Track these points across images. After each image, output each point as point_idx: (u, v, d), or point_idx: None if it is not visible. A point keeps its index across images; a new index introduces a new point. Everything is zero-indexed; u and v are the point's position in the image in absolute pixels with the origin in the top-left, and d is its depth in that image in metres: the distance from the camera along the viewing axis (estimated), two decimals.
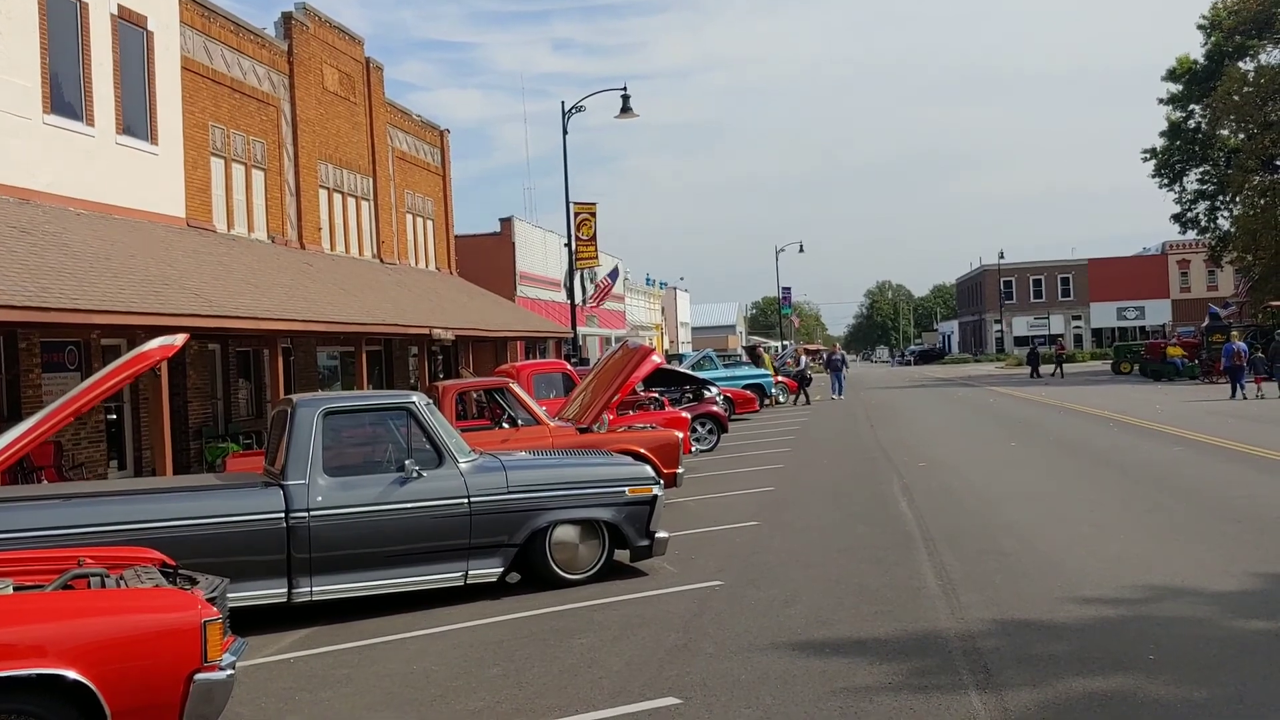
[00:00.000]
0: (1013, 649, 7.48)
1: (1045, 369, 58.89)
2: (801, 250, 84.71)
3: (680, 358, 44.00)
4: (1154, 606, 8.48)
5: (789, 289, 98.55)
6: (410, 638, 8.95)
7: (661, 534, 10.92)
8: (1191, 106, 63.42)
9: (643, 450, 14.45)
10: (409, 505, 9.89)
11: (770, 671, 7.33)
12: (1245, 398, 31.79)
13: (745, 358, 44.85)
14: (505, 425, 16.09)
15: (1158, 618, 8.13)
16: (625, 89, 33.78)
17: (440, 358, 34.17)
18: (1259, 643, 7.44)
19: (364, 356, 25.00)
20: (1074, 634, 7.79)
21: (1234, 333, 38.46)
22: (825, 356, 56.26)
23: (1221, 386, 35.23)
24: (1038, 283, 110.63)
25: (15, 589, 6.21)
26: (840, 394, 44.05)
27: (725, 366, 40.40)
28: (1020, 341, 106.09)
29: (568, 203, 36.01)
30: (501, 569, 10.28)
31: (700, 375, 30.24)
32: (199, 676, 5.66)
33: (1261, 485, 14.61)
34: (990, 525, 12.55)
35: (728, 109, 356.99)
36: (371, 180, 32.54)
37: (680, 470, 15.29)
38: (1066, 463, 18.59)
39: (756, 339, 76.62)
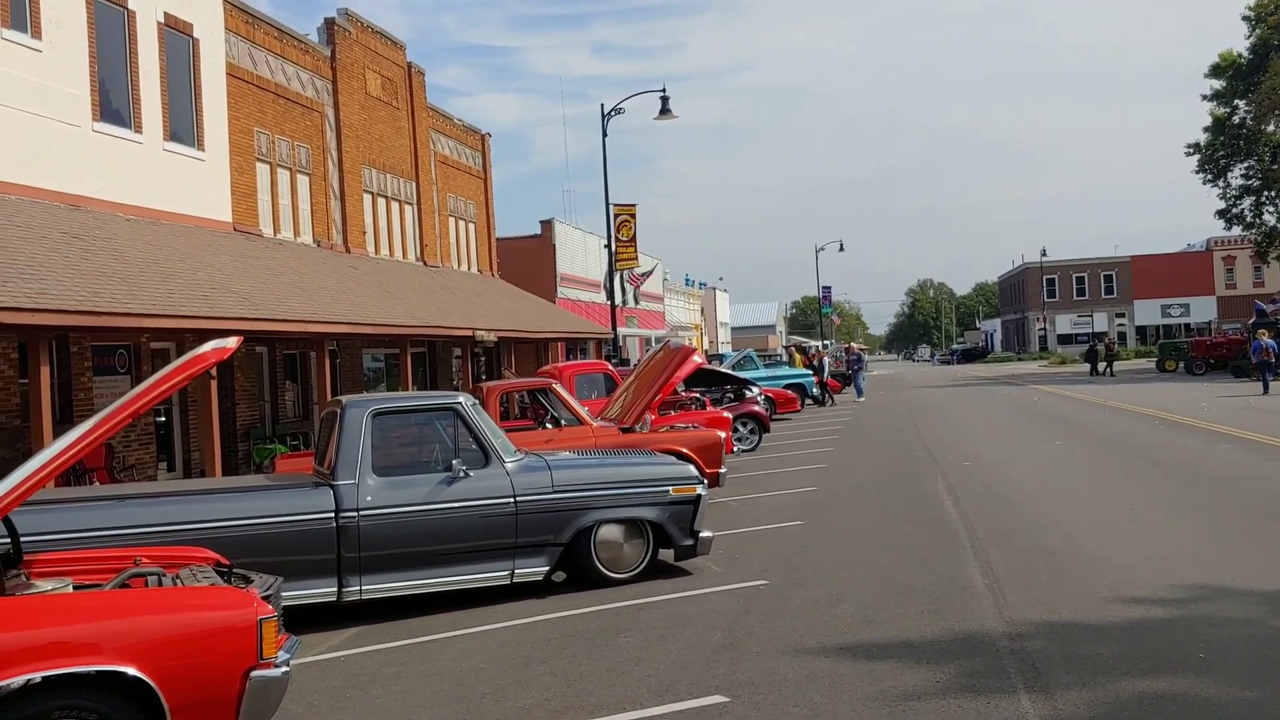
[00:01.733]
0: (1061, 649, 7.47)
1: (1102, 366, 57.32)
2: (842, 249, 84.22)
3: (721, 358, 43.92)
4: (1203, 606, 8.43)
5: (829, 288, 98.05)
6: (458, 636, 9.04)
7: (706, 533, 10.97)
8: (1236, 102, 62.71)
9: (685, 450, 14.48)
10: (456, 505, 9.98)
11: (818, 671, 7.35)
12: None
13: (785, 357, 44.77)
14: (548, 425, 16.18)
15: (1207, 617, 8.08)
16: (664, 90, 33.81)
17: (483, 359, 34.35)
18: None
19: (408, 358, 25.20)
20: (1122, 634, 7.76)
21: (1261, 330, 38.91)
22: (843, 356, 54.86)
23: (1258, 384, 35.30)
24: (1080, 280, 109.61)
25: (75, 588, 6.33)
26: (860, 396, 43.74)
27: (766, 366, 40.38)
28: (1065, 340, 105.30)
29: (607, 204, 36.06)
30: (547, 568, 10.36)
31: (741, 375, 30.23)
32: (255, 673, 5.75)
33: None
34: (1036, 524, 12.50)
35: (766, 108, 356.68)
36: (414, 184, 32.76)
37: (723, 470, 15.31)
38: (1112, 461, 18.46)
39: (797, 339, 76.47)
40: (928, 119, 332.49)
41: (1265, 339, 36.04)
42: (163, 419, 20.19)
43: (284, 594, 7.16)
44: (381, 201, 30.65)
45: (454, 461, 10.10)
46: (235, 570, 6.95)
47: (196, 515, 9.23)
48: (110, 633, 5.59)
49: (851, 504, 15.16)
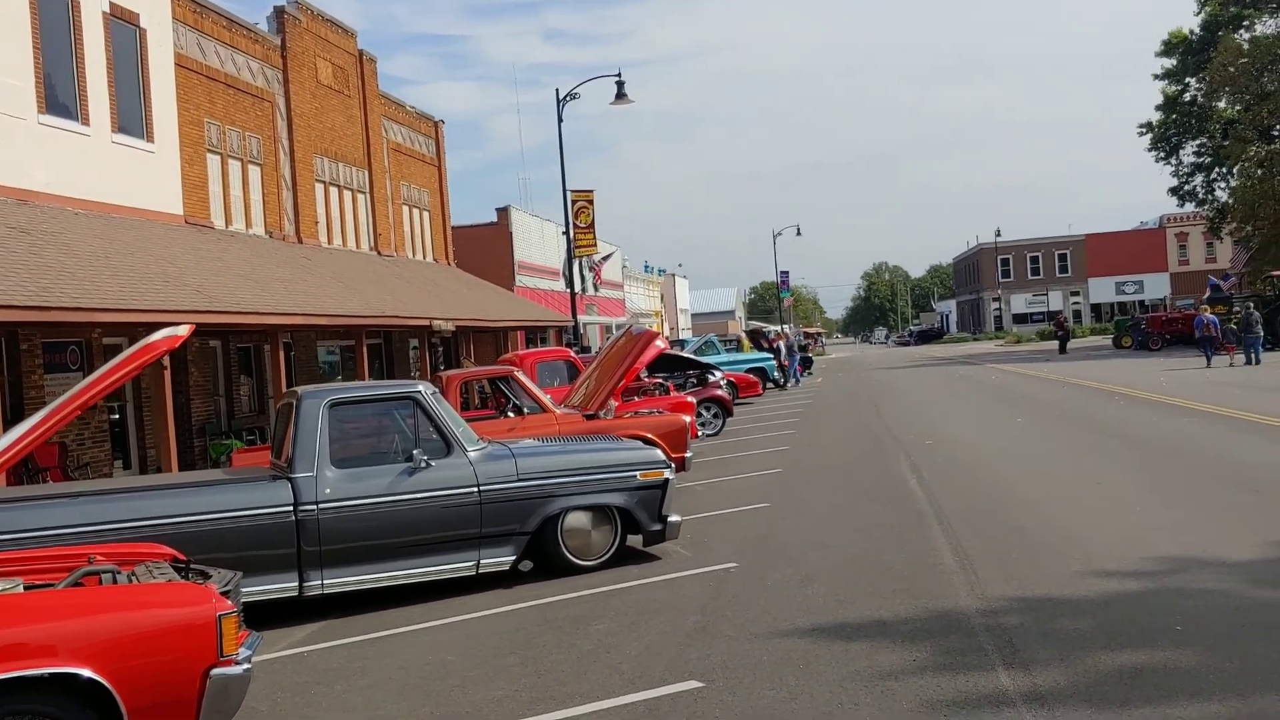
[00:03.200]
0: (1037, 625, 7.39)
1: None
2: (799, 234, 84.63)
3: (682, 343, 43.81)
4: (1176, 578, 8.38)
5: (787, 273, 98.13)
6: (424, 629, 8.86)
7: (674, 518, 10.83)
8: (1187, 80, 63.23)
9: (650, 435, 14.33)
10: (418, 495, 9.79)
11: (792, 653, 7.23)
12: (1232, 364, 34.12)
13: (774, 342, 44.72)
14: (511, 414, 15.99)
15: (1182, 589, 8.03)
16: (620, 75, 33.61)
17: (440, 349, 34.04)
18: None
19: (364, 350, 24.91)
20: (1098, 608, 7.69)
21: (1203, 306, 41.55)
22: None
23: (1219, 356, 36.42)
24: (1035, 260, 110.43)
25: (25, 588, 6.11)
26: (788, 382, 42.67)
27: (726, 351, 40.31)
28: (1020, 319, 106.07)
29: (564, 190, 35.80)
30: (514, 557, 10.19)
31: (704, 360, 30.12)
32: (215, 672, 5.56)
33: (1275, 454, 14.52)
34: (1003, 500, 12.46)
35: (722, 94, 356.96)
36: (367, 173, 32.38)
37: (689, 454, 15.19)
38: (1075, 437, 18.49)
39: (757, 324, 76.48)
40: (882, 103, 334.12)
41: (1207, 314, 38.17)
42: (117, 416, 19.83)
43: (244, 590, 6.96)
44: (334, 191, 30.26)
45: (415, 451, 9.91)
46: (193, 566, 6.74)
47: (152, 511, 8.99)
48: (63, 633, 5.38)
49: (817, 485, 15.08)
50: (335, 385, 12.50)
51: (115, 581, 6.13)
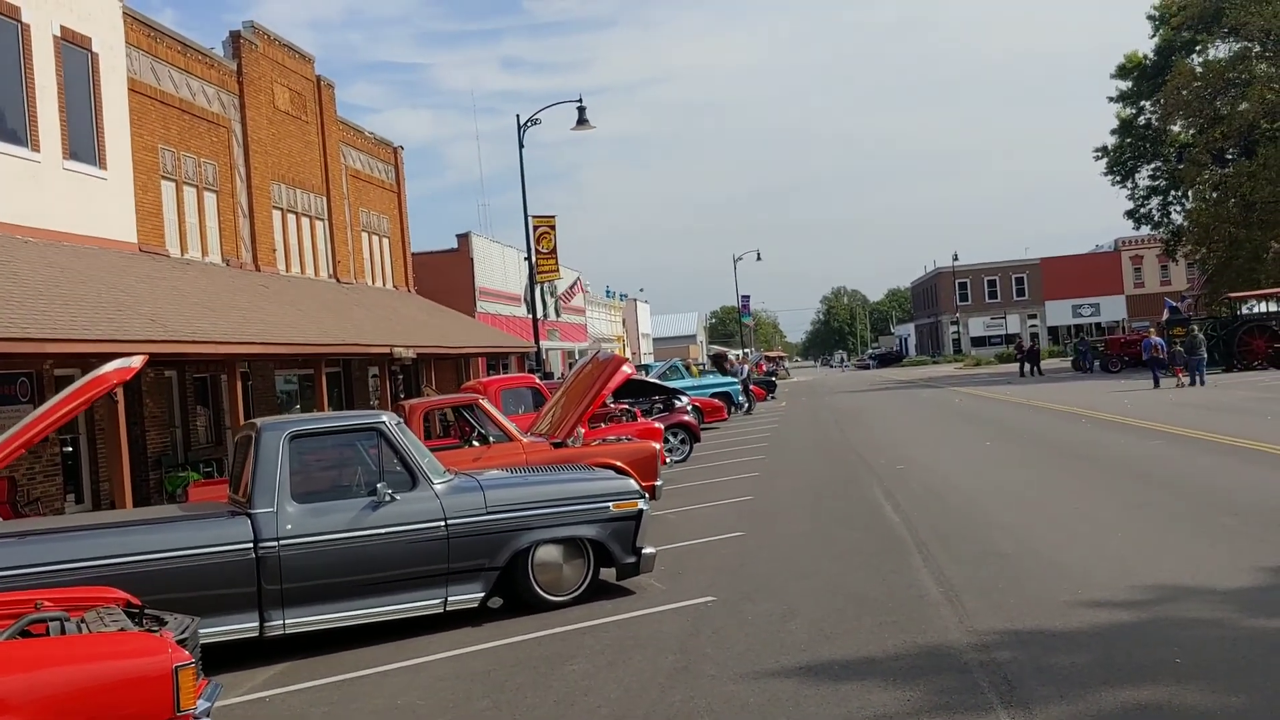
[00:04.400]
0: (1031, 659, 7.12)
1: (1027, 367, 57.31)
2: (759, 259, 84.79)
3: (647, 368, 43.54)
4: (1168, 607, 8.15)
5: (748, 297, 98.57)
6: (391, 670, 8.48)
7: (648, 550, 10.50)
8: (1142, 103, 63.95)
9: (620, 463, 14.02)
10: (383, 530, 9.43)
11: (779, 694, 6.92)
12: (1179, 385, 35.73)
13: (711, 366, 44.52)
14: (475, 443, 15.64)
15: (1175, 619, 7.80)
16: (581, 101, 33.43)
17: (401, 377, 33.57)
18: None
19: (323, 379, 24.44)
20: (1092, 640, 7.44)
21: (1150, 329, 42.70)
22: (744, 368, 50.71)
23: (1169, 378, 37.52)
24: (992, 283, 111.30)
25: None
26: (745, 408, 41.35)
27: (691, 376, 40.11)
28: (978, 342, 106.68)
29: (526, 216, 35.49)
30: (483, 594, 9.83)
31: (670, 385, 29.86)
32: None
33: (1248, 475, 14.40)
34: (981, 526, 12.23)
35: (680, 120, 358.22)
36: (325, 199, 31.95)
37: (659, 482, 14.89)
38: (1046, 460, 18.34)
39: (719, 348, 76.43)
40: (839, 129, 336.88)
41: (1154, 337, 39.53)
42: (70, 449, 19.27)
43: (202, 631, 6.59)
44: (292, 218, 29.80)
45: (379, 485, 9.54)
46: (147, 611, 6.36)
47: (104, 551, 8.58)
48: (7, 689, 5.00)
49: (790, 512, 14.80)
50: (296, 416, 12.11)
51: (64, 630, 5.74)
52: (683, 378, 37.89)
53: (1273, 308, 47.54)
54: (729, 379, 41.15)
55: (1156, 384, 36.51)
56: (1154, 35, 62.25)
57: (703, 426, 29.56)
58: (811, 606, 9.16)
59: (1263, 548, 9.91)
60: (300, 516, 9.21)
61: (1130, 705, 6.13)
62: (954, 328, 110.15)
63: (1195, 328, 40.41)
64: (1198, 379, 35.91)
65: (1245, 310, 47.58)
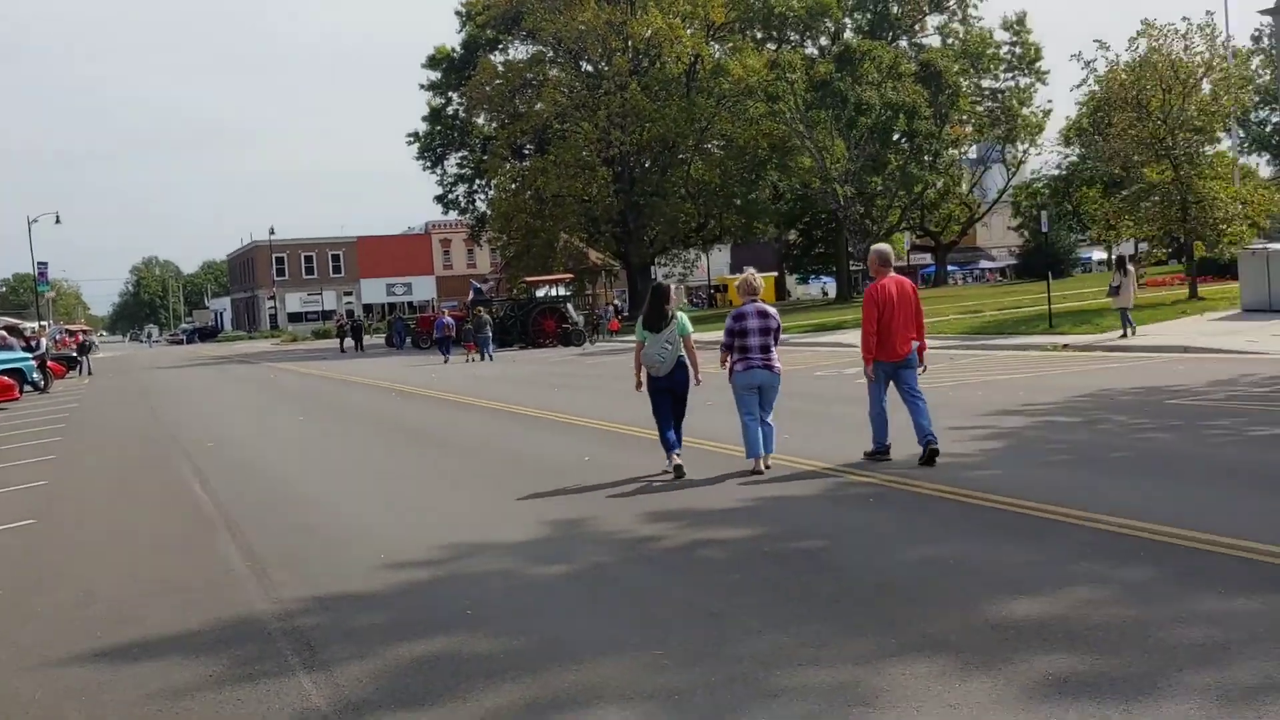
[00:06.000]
0: (335, 624, 7.34)
1: (350, 343, 57.86)
2: (58, 222, 77.84)
3: None
4: (463, 564, 8.76)
5: (45, 264, 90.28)
6: None
7: None
8: (450, 94, 67.44)
9: None
10: None
11: (74, 684, 6.54)
12: (469, 360, 40.01)
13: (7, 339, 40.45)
14: None
15: (468, 574, 8.41)
16: None
17: None
18: (559, 585, 7.95)
19: None
20: (393, 601, 7.82)
21: (443, 310, 50.03)
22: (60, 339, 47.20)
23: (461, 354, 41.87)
24: (309, 259, 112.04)
25: None
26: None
27: None
28: (295, 318, 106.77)
29: None
30: None
31: None
32: None
33: (531, 439, 15.90)
34: (292, 501, 12.35)
35: None
36: None
37: None
38: (358, 433, 18.89)
39: (10, 319, 69.36)
40: (153, 96, 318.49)
41: (445, 317, 45.15)
42: None
43: None
44: None
45: None
46: None
47: None
48: None
49: (91, 496, 13.95)
50: None
51: None
52: None
53: (563, 292, 52.48)
54: (21, 355, 37.67)
55: (446, 360, 40.23)
56: (461, 30, 65.85)
57: None
58: (112, 591, 8.74)
59: (543, 503, 10.98)
60: None
61: (424, 657, 6.54)
62: (271, 303, 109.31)
63: (481, 309, 44.45)
64: (486, 355, 40.43)
65: (540, 294, 52.03)
